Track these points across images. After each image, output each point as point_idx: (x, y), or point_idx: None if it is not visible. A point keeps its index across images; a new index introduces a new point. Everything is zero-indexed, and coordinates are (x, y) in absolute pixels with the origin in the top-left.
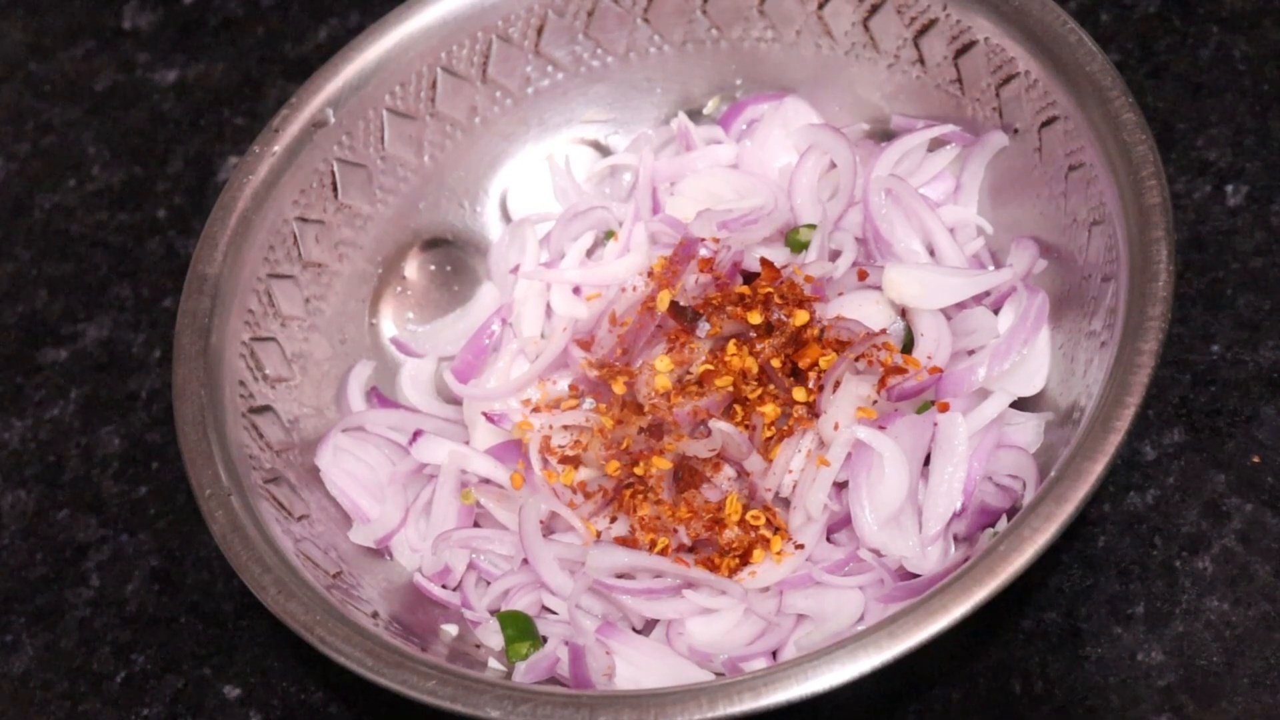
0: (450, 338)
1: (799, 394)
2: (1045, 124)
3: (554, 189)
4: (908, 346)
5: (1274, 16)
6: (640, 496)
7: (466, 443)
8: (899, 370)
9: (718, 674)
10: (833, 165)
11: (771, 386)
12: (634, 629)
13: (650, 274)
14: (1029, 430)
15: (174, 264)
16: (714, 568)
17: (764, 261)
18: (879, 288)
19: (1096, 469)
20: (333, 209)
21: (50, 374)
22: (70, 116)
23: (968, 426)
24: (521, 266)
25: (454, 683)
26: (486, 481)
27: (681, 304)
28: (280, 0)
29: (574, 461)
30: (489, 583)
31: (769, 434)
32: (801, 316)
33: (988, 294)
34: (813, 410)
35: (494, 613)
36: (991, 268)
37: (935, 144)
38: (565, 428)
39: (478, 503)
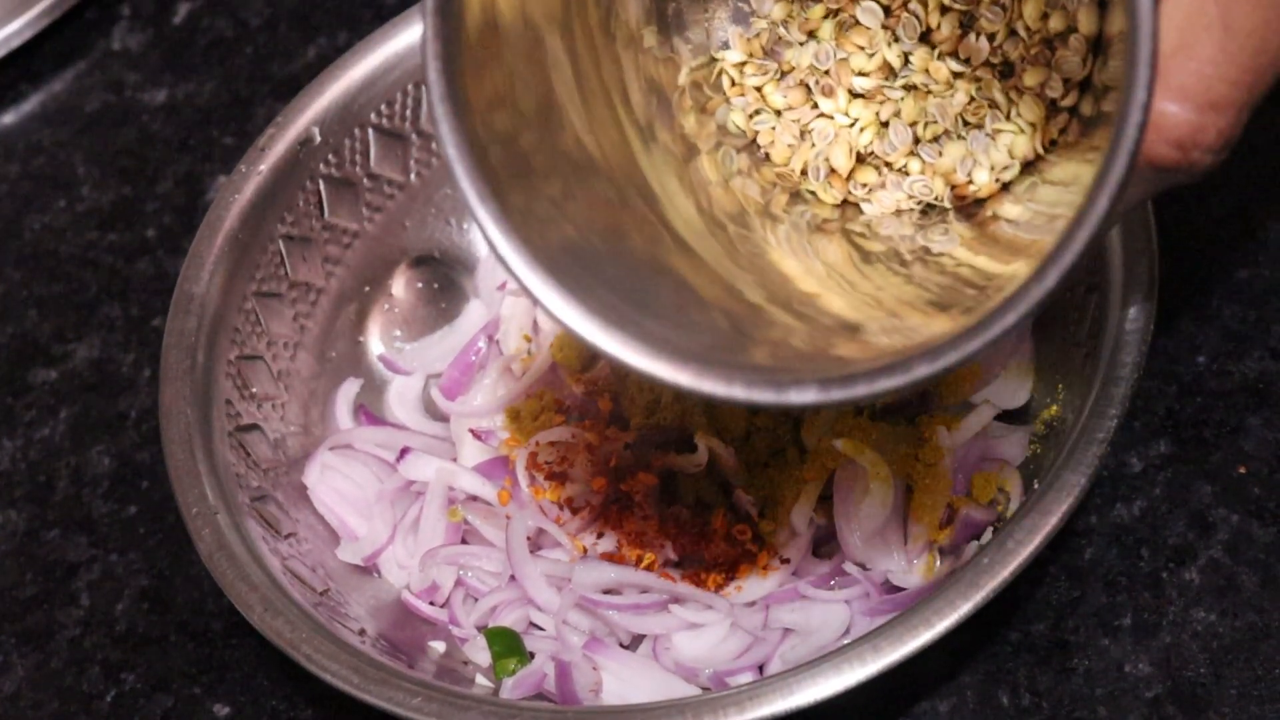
0: (438, 355)
1: None
2: None
3: None
4: None
5: None
6: (626, 512)
7: (454, 460)
8: None
9: (704, 688)
10: None
11: None
12: (621, 644)
13: None
14: (1013, 443)
15: (164, 283)
16: (700, 583)
17: None
18: None
19: (1080, 481)
20: (319, 227)
21: (40, 394)
22: (60, 137)
23: (952, 440)
24: (508, 283)
25: (439, 699)
26: (474, 498)
27: None
28: (269, 20)
29: (561, 478)
30: (476, 599)
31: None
32: None
33: None
34: (797, 425)
35: (481, 629)
36: None
37: None
38: (551, 444)
39: (465, 519)
